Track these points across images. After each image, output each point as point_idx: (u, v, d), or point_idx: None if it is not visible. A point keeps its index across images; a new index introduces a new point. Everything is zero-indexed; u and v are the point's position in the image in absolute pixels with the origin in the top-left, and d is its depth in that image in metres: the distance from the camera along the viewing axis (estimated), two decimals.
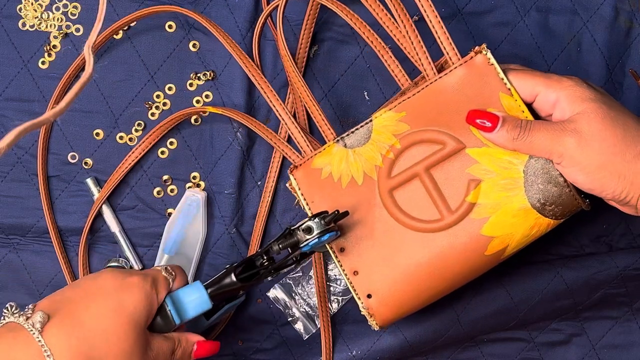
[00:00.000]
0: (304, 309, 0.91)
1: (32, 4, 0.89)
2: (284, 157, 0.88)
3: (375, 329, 0.78)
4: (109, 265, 0.90)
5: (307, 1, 0.86)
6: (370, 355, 0.89)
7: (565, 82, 0.73)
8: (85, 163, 0.89)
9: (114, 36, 0.89)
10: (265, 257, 0.77)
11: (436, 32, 0.77)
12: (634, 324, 0.93)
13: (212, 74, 0.89)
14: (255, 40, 0.87)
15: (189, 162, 0.90)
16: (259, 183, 0.90)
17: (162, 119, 0.89)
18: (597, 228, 0.92)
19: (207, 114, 0.89)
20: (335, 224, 0.76)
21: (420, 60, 0.78)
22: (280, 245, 0.75)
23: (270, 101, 0.83)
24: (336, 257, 0.78)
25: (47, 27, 0.89)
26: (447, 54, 0.77)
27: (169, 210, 0.90)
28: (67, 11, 0.89)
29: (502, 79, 0.75)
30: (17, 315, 0.68)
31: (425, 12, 0.77)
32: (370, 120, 0.78)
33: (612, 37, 0.90)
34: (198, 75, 0.89)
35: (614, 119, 0.71)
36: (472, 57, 0.76)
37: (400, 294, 0.76)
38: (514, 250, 0.76)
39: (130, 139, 0.90)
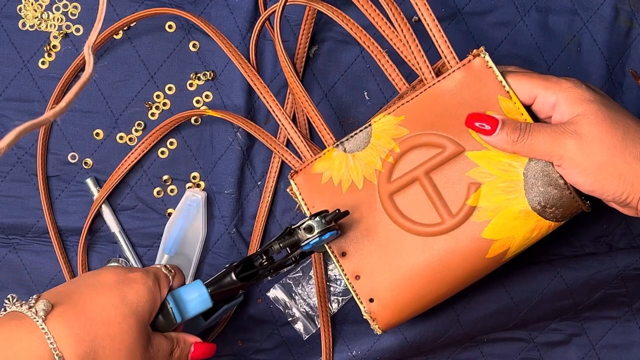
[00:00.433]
0: (304, 309, 0.91)
1: (32, 4, 0.89)
2: None
3: (378, 333, 0.78)
4: (108, 265, 0.89)
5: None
6: (370, 355, 0.89)
7: (564, 83, 0.73)
8: (85, 163, 0.89)
9: (114, 36, 0.89)
10: (264, 257, 0.77)
11: (434, 36, 0.76)
12: (634, 324, 0.93)
13: (212, 74, 0.89)
14: (252, 45, 0.87)
15: (189, 162, 0.90)
16: (259, 183, 0.89)
17: (162, 119, 0.88)
18: (597, 228, 0.92)
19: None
20: (336, 223, 0.76)
21: (418, 64, 0.77)
22: (281, 244, 0.75)
23: (270, 106, 0.83)
24: (338, 261, 0.78)
25: (47, 27, 0.89)
26: (445, 57, 0.77)
27: (169, 210, 0.90)
28: (67, 11, 0.89)
29: (501, 81, 0.75)
30: (19, 305, 0.67)
31: (422, 15, 0.76)
32: (369, 125, 0.78)
33: (612, 37, 0.90)
34: (198, 75, 0.89)
35: (614, 121, 0.71)
36: (470, 60, 0.76)
37: (402, 298, 0.76)
38: (515, 253, 0.76)
39: (130, 139, 0.89)
